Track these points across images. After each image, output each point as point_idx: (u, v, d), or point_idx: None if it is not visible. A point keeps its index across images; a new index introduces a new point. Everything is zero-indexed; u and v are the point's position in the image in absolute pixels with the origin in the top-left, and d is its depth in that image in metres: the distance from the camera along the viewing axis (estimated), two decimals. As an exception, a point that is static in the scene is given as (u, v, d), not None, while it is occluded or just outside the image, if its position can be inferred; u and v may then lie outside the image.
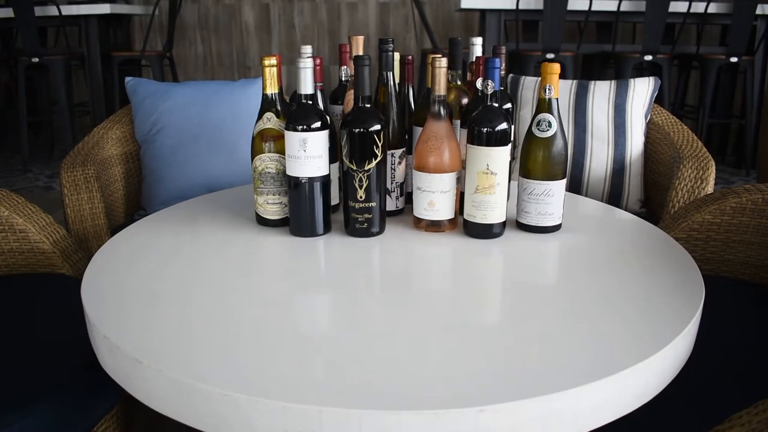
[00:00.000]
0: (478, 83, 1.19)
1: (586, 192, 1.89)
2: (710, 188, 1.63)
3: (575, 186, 1.88)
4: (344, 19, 5.40)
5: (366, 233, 1.16)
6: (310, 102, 1.12)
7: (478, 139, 1.10)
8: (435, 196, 1.14)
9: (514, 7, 3.71)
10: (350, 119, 1.11)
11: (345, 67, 1.36)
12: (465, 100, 1.29)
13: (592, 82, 1.94)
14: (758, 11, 3.78)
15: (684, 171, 1.65)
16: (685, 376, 0.86)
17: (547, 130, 1.15)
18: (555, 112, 1.15)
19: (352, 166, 1.12)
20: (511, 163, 1.18)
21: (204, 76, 5.52)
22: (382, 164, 1.12)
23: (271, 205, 1.20)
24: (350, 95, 1.25)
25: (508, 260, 1.09)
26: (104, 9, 4.12)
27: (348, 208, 1.15)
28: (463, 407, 0.67)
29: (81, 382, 1.03)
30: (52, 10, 4.03)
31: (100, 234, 1.61)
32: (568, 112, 1.90)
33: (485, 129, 1.10)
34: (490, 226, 1.14)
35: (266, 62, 1.16)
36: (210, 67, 5.52)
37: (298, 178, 1.13)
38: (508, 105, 1.29)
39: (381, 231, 1.16)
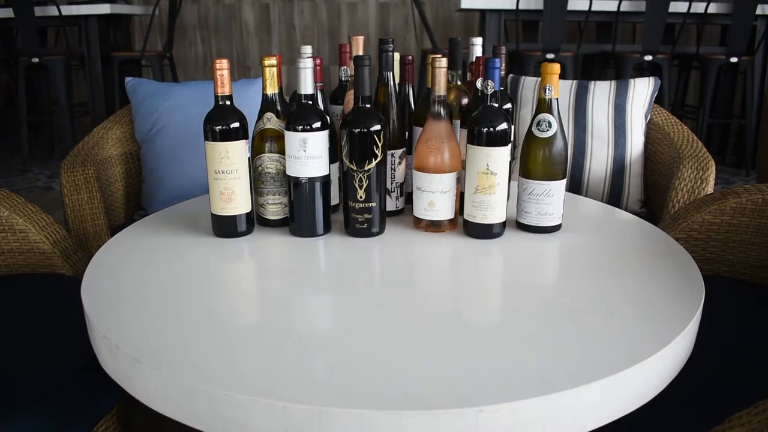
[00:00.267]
0: (478, 83, 1.19)
1: (586, 192, 1.89)
2: (710, 188, 1.63)
3: (575, 186, 1.88)
4: (344, 19, 5.40)
5: (366, 233, 1.16)
6: (310, 102, 1.12)
7: (478, 139, 1.10)
8: (435, 196, 1.14)
9: (514, 7, 3.71)
10: (350, 119, 1.11)
11: (345, 67, 1.36)
12: (465, 100, 1.29)
13: (592, 82, 1.94)
14: (758, 11, 3.78)
15: (684, 171, 1.65)
16: (685, 376, 0.86)
17: (547, 130, 1.15)
18: (555, 113, 1.15)
19: (352, 166, 1.11)
20: (511, 163, 1.18)
21: (204, 76, 5.52)
22: (382, 164, 1.12)
23: (271, 205, 1.20)
24: (350, 95, 1.25)
25: (508, 260, 1.09)
26: (104, 9, 4.12)
27: (348, 208, 1.15)
28: (463, 407, 0.67)
29: (81, 382, 1.03)
30: (52, 10, 4.03)
31: (100, 234, 1.61)
32: (568, 112, 1.90)
33: (485, 129, 1.10)
34: (490, 226, 1.14)
35: (266, 62, 1.16)
36: (210, 67, 5.52)
37: (298, 178, 1.13)
38: (508, 105, 1.29)
39: (381, 231, 1.16)
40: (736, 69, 4.31)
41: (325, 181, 1.15)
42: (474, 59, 1.32)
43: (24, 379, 1.01)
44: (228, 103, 1.13)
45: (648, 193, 1.90)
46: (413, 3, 4.53)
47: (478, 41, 1.33)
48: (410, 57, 1.27)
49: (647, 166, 1.90)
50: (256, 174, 1.20)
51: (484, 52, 1.34)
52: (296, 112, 1.12)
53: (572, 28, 4.40)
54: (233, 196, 1.14)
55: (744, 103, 4.08)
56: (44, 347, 1.10)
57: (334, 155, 1.21)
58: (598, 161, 1.88)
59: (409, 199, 1.24)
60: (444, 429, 0.67)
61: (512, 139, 1.19)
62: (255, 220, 1.22)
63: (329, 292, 0.97)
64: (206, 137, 1.13)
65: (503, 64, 1.18)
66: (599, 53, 4.19)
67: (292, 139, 1.11)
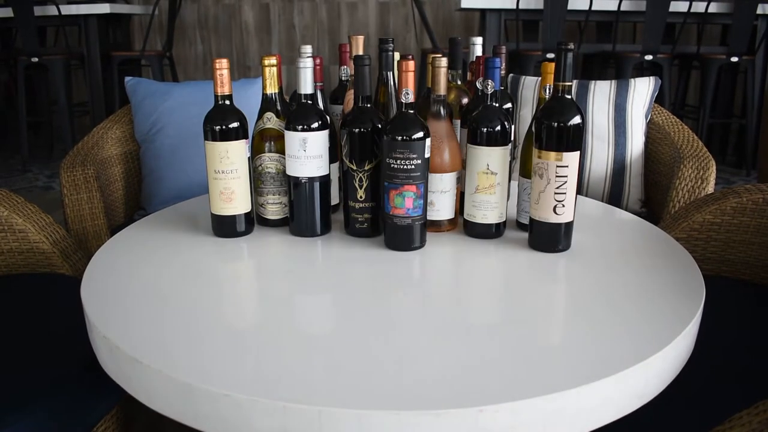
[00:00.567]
0: (478, 83, 1.19)
1: (587, 192, 1.89)
2: (711, 188, 1.63)
3: (575, 186, 1.88)
4: (344, 19, 5.40)
5: (366, 233, 1.16)
6: (310, 102, 1.12)
7: (478, 138, 1.10)
8: (435, 196, 1.14)
9: (514, 6, 3.71)
10: (350, 119, 1.10)
11: (345, 67, 1.36)
12: (465, 100, 1.29)
13: (593, 81, 1.94)
14: (759, 11, 3.78)
15: (684, 171, 1.65)
16: (685, 376, 0.86)
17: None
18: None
19: (352, 166, 1.11)
20: (511, 163, 1.18)
21: (204, 76, 5.52)
22: (382, 164, 1.12)
23: (271, 205, 1.20)
24: (350, 95, 1.24)
25: (508, 260, 1.09)
26: (104, 9, 4.12)
27: (348, 208, 1.15)
28: (463, 407, 0.67)
29: (81, 382, 1.02)
30: (52, 10, 4.03)
31: (100, 234, 1.61)
32: (569, 111, 1.89)
33: (485, 129, 1.10)
34: (490, 226, 1.14)
35: (266, 62, 1.15)
36: (210, 66, 5.51)
37: (298, 178, 1.13)
38: (508, 105, 1.29)
39: (381, 231, 1.16)
40: (737, 69, 4.31)
41: (325, 180, 1.15)
42: (474, 59, 1.32)
43: (24, 379, 1.01)
44: (228, 102, 1.13)
45: (648, 192, 1.90)
46: (413, 3, 4.53)
47: (478, 41, 1.33)
48: (410, 57, 1.26)
49: (648, 165, 1.90)
50: (256, 174, 1.20)
51: (484, 51, 1.33)
52: (296, 112, 1.12)
53: (572, 27, 4.40)
54: (233, 195, 1.13)
55: (744, 102, 4.08)
56: (44, 347, 1.10)
57: (334, 155, 1.21)
58: (599, 161, 1.88)
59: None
60: (444, 429, 0.67)
61: (512, 139, 1.19)
62: (255, 220, 1.22)
63: (329, 292, 0.97)
64: (206, 137, 1.13)
65: (503, 64, 1.18)
66: (599, 53, 4.18)
67: (292, 138, 1.11)
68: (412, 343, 0.81)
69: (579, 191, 1.87)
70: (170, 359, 0.77)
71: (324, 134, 1.12)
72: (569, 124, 1.03)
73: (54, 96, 4.41)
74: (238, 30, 5.46)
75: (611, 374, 0.73)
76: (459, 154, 1.16)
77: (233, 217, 1.15)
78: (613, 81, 1.93)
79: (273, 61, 1.16)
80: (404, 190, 1.06)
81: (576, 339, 0.82)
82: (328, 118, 1.15)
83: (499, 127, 1.10)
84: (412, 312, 0.91)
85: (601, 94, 1.90)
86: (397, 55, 1.21)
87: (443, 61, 1.10)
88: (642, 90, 1.89)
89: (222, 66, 1.10)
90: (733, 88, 4.44)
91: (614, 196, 1.89)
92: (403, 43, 5.34)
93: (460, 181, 1.18)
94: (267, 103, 1.19)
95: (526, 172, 1.18)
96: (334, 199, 1.27)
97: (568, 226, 1.09)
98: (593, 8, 3.72)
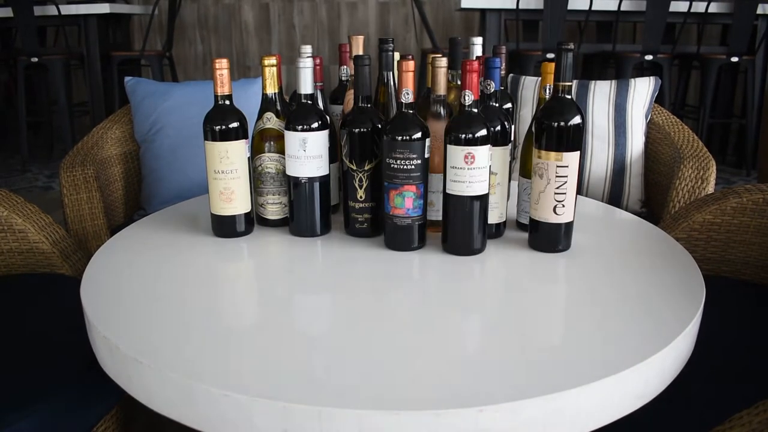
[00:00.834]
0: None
1: (587, 192, 1.89)
2: (711, 188, 1.63)
3: (575, 186, 1.88)
4: (344, 19, 5.40)
5: (366, 233, 1.16)
6: (310, 102, 1.12)
7: (478, 138, 1.10)
8: (435, 196, 1.14)
9: (514, 6, 3.71)
10: (350, 119, 1.10)
11: (345, 67, 1.36)
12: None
13: (593, 81, 1.94)
14: (759, 11, 3.78)
15: (684, 171, 1.65)
16: (685, 376, 0.86)
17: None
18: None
19: (352, 166, 1.11)
20: (511, 163, 1.18)
21: (204, 76, 5.52)
22: (382, 164, 1.12)
23: (271, 205, 1.20)
24: (350, 95, 1.24)
25: (508, 260, 1.09)
26: (104, 9, 4.12)
27: (348, 208, 1.15)
28: (463, 407, 0.67)
29: (81, 382, 1.02)
30: (52, 10, 4.03)
31: (100, 234, 1.61)
32: (568, 111, 1.89)
33: (485, 129, 1.10)
34: (490, 226, 1.14)
35: (266, 62, 1.15)
36: (210, 66, 5.51)
37: (298, 178, 1.13)
38: (508, 105, 1.29)
39: (381, 231, 1.16)
40: (737, 69, 4.31)
41: (325, 181, 1.15)
42: (474, 59, 1.32)
43: (24, 380, 1.01)
44: (228, 102, 1.13)
45: (648, 193, 1.90)
46: (413, 3, 4.53)
47: (478, 41, 1.32)
48: (410, 57, 1.26)
49: (648, 165, 1.90)
50: (255, 174, 1.20)
51: (484, 51, 1.33)
52: (296, 112, 1.12)
53: (572, 27, 4.40)
54: (233, 195, 1.13)
55: (744, 102, 4.09)
56: (44, 347, 1.10)
57: (334, 155, 1.21)
58: (599, 161, 1.88)
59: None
60: (444, 429, 0.67)
61: (512, 139, 1.19)
62: (255, 220, 1.22)
63: (329, 292, 0.97)
64: (206, 137, 1.13)
65: (503, 64, 1.18)
66: (599, 53, 4.18)
67: (292, 138, 1.11)
68: (412, 343, 0.81)
69: (579, 191, 1.87)
70: (170, 359, 0.77)
71: (324, 134, 1.12)
72: (569, 124, 1.03)
73: (54, 96, 4.41)
74: (238, 30, 5.46)
75: (611, 374, 0.73)
76: (459, 154, 1.15)
77: (233, 217, 1.15)
78: (613, 81, 1.93)
79: (273, 61, 1.16)
80: (404, 190, 1.06)
81: (576, 339, 0.82)
82: (328, 118, 1.15)
83: (498, 128, 1.10)
84: (412, 312, 0.91)
85: (601, 94, 1.90)
86: (397, 55, 1.21)
87: (443, 61, 1.10)
88: (642, 90, 1.89)
89: (222, 66, 1.10)
90: (733, 88, 4.44)
91: (614, 196, 1.89)
92: (403, 43, 5.34)
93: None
94: (267, 103, 1.19)
95: (526, 172, 1.18)
96: (334, 199, 1.27)
97: (568, 226, 1.09)
98: (593, 8, 3.72)
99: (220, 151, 1.12)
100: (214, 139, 1.12)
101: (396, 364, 0.76)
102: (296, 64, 1.12)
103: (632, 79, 1.92)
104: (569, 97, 1.05)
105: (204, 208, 1.29)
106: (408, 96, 1.05)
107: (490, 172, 1.07)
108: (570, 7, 3.67)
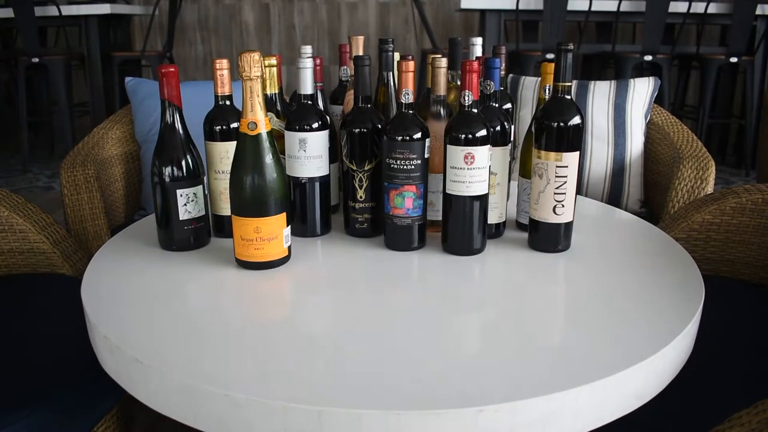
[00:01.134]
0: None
1: (586, 192, 1.89)
2: (710, 188, 1.63)
3: (575, 186, 1.88)
4: (344, 19, 5.40)
5: (366, 233, 1.16)
6: (310, 102, 1.12)
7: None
8: (435, 196, 1.14)
9: (514, 7, 3.71)
10: (350, 119, 1.11)
11: (345, 67, 1.36)
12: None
13: (592, 82, 1.94)
14: (758, 11, 3.78)
15: (684, 171, 1.65)
16: (685, 376, 0.86)
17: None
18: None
19: (352, 166, 1.12)
20: (511, 163, 1.18)
21: (204, 76, 5.52)
22: (382, 164, 1.12)
23: (271, 205, 1.20)
24: (350, 95, 1.25)
25: (508, 260, 1.09)
26: (104, 9, 4.13)
27: (348, 208, 1.15)
28: (463, 407, 0.67)
29: (81, 382, 1.03)
30: (52, 10, 4.03)
31: (100, 234, 1.61)
32: (568, 112, 1.90)
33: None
34: (490, 225, 1.14)
35: (266, 62, 1.16)
36: (210, 67, 5.52)
37: (298, 178, 1.13)
38: (508, 105, 1.29)
39: (381, 231, 1.16)
40: (736, 69, 4.31)
41: (325, 181, 1.15)
42: (474, 59, 1.32)
43: (24, 379, 1.01)
44: (228, 103, 1.13)
45: (648, 193, 1.90)
46: (413, 3, 4.53)
47: (478, 41, 1.33)
48: (410, 57, 1.27)
49: (647, 166, 1.90)
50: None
51: (484, 52, 1.33)
52: (296, 112, 1.12)
53: (572, 28, 4.40)
54: (233, 196, 1.13)
55: (744, 103, 4.09)
56: (44, 347, 1.10)
57: (334, 155, 1.21)
58: (598, 161, 1.88)
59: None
60: (444, 429, 0.67)
61: (512, 139, 1.19)
62: (255, 220, 1.22)
63: (329, 292, 0.97)
64: (206, 137, 1.13)
65: (503, 64, 1.18)
66: (599, 53, 4.19)
67: (292, 139, 1.11)
68: (412, 343, 0.81)
69: (579, 191, 1.88)
70: (170, 359, 0.77)
71: (324, 134, 1.12)
72: (569, 124, 1.04)
73: (54, 96, 4.41)
74: (239, 30, 5.47)
75: (611, 374, 0.73)
76: (459, 155, 1.16)
77: None
78: (612, 81, 1.93)
79: (273, 61, 1.16)
80: (404, 190, 1.06)
81: (576, 339, 0.82)
82: (328, 118, 1.15)
83: (498, 128, 1.10)
84: (412, 312, 0.91)
85: (600, 94, 1.90)
86: (396, 56, 1.22)
87: (443, 62, 1.10)
88: (641, 90, 1.89)
89: (222, 66, 1.10)
90: (732, 88, 4.44)
91: (614, 196, 1.89)
92: (403, 43, 5.34)
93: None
94: (267, 104, 1.19)
95: (525, 172, 1.18)
96: (334, 199, 1.27)
97: (568, 226, 1.09)
98: (593, 9, 3.73)
99: (221, 152, 1.12)
100: (214, 140, 1.12)
101: (396, 364, 0.76)
102: (296, 65, 1.12)
103: (632, 80, 1.92)
104: (569, 97, 1.05)
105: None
106: (408, 96, 1.05)
107: (490, 172, 1.08)
108: (570, 7, 3.67)
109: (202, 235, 1.13)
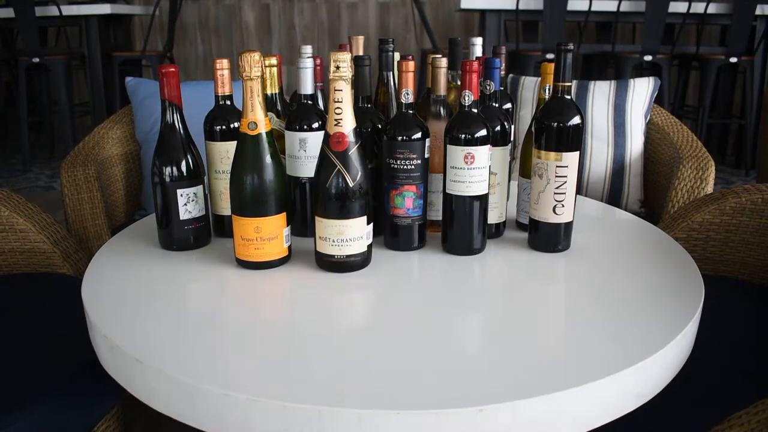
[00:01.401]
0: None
1: (586, 192, 1.89)
2: (710, 188, 1.63)
3: (575, 186, 1.88)
4: (344, 19, 5.40)
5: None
6: (310, 102, 1.12)
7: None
8: (435, 196, 1.14)
9: (514, 7, 3.71)
10: (350, 119, 1.10)
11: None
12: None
13: (592, 82, 1.94)
14: (758, 11, 3.78)
15: (684, 171, 1.65)
16: (685, 375, 0.86)
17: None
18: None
19: (352, 166, 1.11)
20: (511, 163, 1.18)
21: (204, 76, 5.53)
22: (382, 164, 1.12)
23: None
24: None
25: (508, 260, 1.09)
26: (105, 9, 4.13)
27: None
28: (463, 407, 0.67)
29: (81, 382, 1.03)
30: (53, 10, 4.03)
31: (101, 234, 1.61)
32: (568, 112, 1.90)
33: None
34: (489, 225, 1.15)
35: (266, 62, 1.16)
36: (210, 67, 5.52)
37: (298, 178, 1.13)
38: (508, 105, 1.29)
39: (381, 231, 1.16)
40: (736, 69, 4.31)
41: (325, 181, 1.15)
42: (474, 59, 1.32)
43: (24, 379, 1.01)
44: (228, 103, 1.14)
45: (648, 192, 1.90)
46: (413, 3, 4.53)
47: (478, 41, 1.33)
48: (410, 57, 1.27)
49: (647, 166, 1.90)
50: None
51: (484, 52, 1.33)
52: (296, 112, 1.12)
53: (572, 28, 4.40)
54: (233, 196, 1.13)
55: (743, 103, 4.09)
56: (44, 347, 1.10)
57: (334, 155, 1.21)
58: (598, 161, 1.88)
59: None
60: (444, 429, 0.67)
61: (512, 139, 1.19)
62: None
63: (329, 292, 0.97)
64: (206, 137, 1.13)
65: (503, 64, 1.18)
66: (599, 53, 4.19)
67: (292, 139, 1.11)
68: (412, 343, 0.81)
69: (578, 191, 1.88)
70: (170, 359, 0.77)
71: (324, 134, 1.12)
72: (569, 124, 1.04)
73: (55, 96, 4.42)
74: (239, 30, 5.47)
75: (611, 374, 0.73)
76: (459, 155, 1.16)
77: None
78: (612, 81, 1.93)
79: (273, 61, 1.16)
80: (404, 190, 1.06)
81: (576, 339, 0.82)
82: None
83: (498, 128, 1.10)
84: (412, 312, 0.91)
85: (600, 94, 1.90)
86: (396, 56, 1.22)
87: (443, 62, 1.10)
88: (641, 90, 1.89)
89: (223, 66, 1.11)
90: (732, 88, 4.44)
91: (614, 196, 1.89)
92: (403, 43, 5.35)
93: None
94: (267, 104, 1.19)
95: (525, 172, 1.18)
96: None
97: (568, 226, 1.09)
98: (593, 9, 3.73)
99: (221, 152, 1.12)
100: (214, 140, 1.12)
101: (396, 364, 0.76)
102: (296, 65, 1.12)
103: (631, 80, 1.92)
104: (569, 97, 1.05)
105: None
106: (408, 96, 1.05)
107: (490, 172, 1.08)
108: (570, 7, 3.67)
109: (203, 234, 1.13)
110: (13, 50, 4.53)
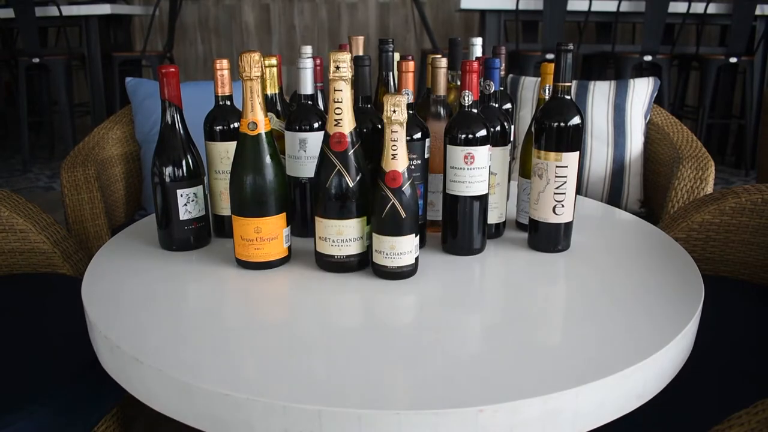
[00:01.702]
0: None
1: (586, 192, 1.89)
2: (710, 188, 1.63)
3: (575, 186, 1.88)
4: (344, 19, 5.40)
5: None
6: (310, 102, 1.12)
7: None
8: (435, 196, 1.14)
9: (514, 7, 3.71)
10: (350, 119, 1.10)
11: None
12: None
13: (592, 82, 1.94)
14: (758, 11, 3.78)
15: (683, 171, 1.65)
16: (685, 376, 0.86)
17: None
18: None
19: (352, 167, 1.11)
20: (511, 163, 1.18)
21: (204, 76, 5.53)
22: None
23: (271, 206, 1.20)
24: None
25: (508, 260, 1.09)
26: (105, 9, 4.13)
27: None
28: (463, 407, 0.68)
29: (81, 382, 1.03)
30: (53, 11, 4.03)
31: (101, 234, 1.61)
32: (568, 112, 1.90)
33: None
34: (489, 226, 1.15)
35: (266, 62, 1.16)
36: (210, 67, 5.52)
37: (298, 178, 1.13)
38: (508, 105, 1.29)
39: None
40: (736, 69, 4.31)
41: (325, 181, 1.15)
42: (474, 59, 1.32)
43: (24, 379, 1.01)
44: (228, 103, 1.14)
45: (647, 193, 1.90)
46: (413, 3, 4.53)
47: (478, 41, 1.33)
48: (410, 57, 1.27)
49: (647, 166, 1.90)
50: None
51: (484, 52, 1.33)
52: (296, 112, 1.12)
53: (572, 28, 4.40)
54: (233, 196, 1.14)
55: (743, 103, 4.09)
56: (44, 347, 1.10)
57: (334, 155, 1.21)
58: (598, 161, 1.88)
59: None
60: (444, 429, 0.67)
61: (512, 139, 1.19)
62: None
63: (329, 292, 0.97)
64: (206, 137, 1.13)
65: (503, 64, 1.18)
66: (599, 53, 4.19)
67: (292, 139, 1.11)
68: (412, 343, 0.81)
69: (578, 191, 1.88)
70: (170, 359, 0.77)
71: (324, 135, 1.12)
72: (569, 124, 1.04)
73: (55, 96, 4.42)
74: (239, 30, 5.47)
75: (611, 374, 0.73)
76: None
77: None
78: (612, 81, 1.93)
79: (273, 61, 1.16)
80: (404, 190, 1.06)
81: (576, 339, 0.83)
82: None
83: (498, 128, 1.10)
84: (412, 311, 0.91)
85: (600, 94, 1.90)
86: (396, 56, 1.22)
87: (443, 62, 1.10)
88: (641, 90, 1.90)
89: (222, 66, 1.11)
90: (732, 88, 4.44)
91: (613, 196, 1.89)
92: (403, 43, 5.35)
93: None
94: (267, 104, 1.19)
95: (525, 172, 1.19)
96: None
97: (568, 226, 1.09)
98: (593, 9, 3.73)
99: (221, 152, 1.12)
100: (214, 140, 1.12)
101: (396, 364, 0.76)
102: (296, 65, 1.12)
103: (631, 80, 1.92)
104: (569, 97, 1.05)
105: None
106: (408, 96, 1.05)
107: (490, 173, 1.08)
108: (569, 7, 3.67)
109: (203, 235, 1.13)
110: (13, 50, 4.54)
